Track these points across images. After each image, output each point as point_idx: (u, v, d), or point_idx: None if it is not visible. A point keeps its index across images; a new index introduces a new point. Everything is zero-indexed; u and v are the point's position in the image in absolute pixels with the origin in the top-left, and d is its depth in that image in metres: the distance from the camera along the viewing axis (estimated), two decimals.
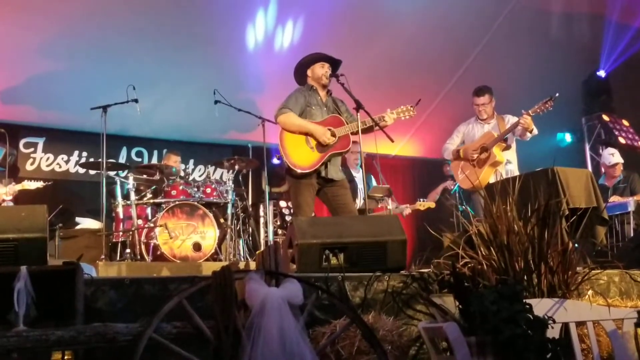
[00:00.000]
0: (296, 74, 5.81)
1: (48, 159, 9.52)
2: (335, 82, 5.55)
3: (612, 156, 8.27)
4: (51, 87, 8.53)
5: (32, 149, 9.42)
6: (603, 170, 8.51)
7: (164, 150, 9.94)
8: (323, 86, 5.69)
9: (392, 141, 5.54)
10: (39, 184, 7.57)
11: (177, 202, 6.95)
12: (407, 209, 8.71)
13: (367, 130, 5.60)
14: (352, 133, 5.56)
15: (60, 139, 9.57)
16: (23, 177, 8.32)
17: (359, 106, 5.41)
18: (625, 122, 11.25)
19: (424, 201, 8.84)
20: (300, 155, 5.44)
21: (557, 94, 6.37)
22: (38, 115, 9.13)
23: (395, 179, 11.23)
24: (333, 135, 5.50)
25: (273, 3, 8.84)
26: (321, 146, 5.48)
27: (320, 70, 5.65)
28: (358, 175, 7.83)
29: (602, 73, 11.17)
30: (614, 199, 7.69)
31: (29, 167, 9.35)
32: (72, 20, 7.94)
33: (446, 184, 9.18)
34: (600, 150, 10.48)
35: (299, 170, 5.41)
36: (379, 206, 8.44)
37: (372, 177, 8.50)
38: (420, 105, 5.90)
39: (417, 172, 11.98)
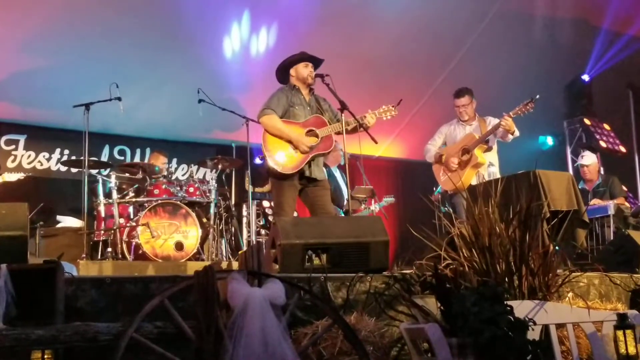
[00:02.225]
0: (278, 74, 5.78)
1: (29, 156, 9.43)
2: (319, 82, 5.56)
3: (582, 158, 8.38)
4: (33, 84, 8.46)
5: (13, 146, 9.33)
6: None
7: (147, 149, 9.91)
8: (307, 85, 5.68)
9: (376, 142, 5.54)
10: (20, 175, 7.49)
11: (159, 201, 6.91)
12: (375, 208, 8.67)
13: (350, 131, 5.61)
14: (337, 133, 5.56)
15: (42, 136, 9.48)
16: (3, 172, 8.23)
17: (343, 107, 5.41)
18: (607, 126, 11.36)
19: (388, 197, 8.88)
20: (284, 156, 5.43)
21: (537, 96, 6.43)
22: (20, 112, 9.04)
23: (379, 180, 11.23)
24: (315, 136, 5.50)
25: (246, 16, 8.95)
26: None
27: (305, 70, 5.63)
28: (336, 173, 7.82)
29: (586, 77, 11.26)
30: (595, 202, 7.76)
31: (10, 164, 9.24)
32: (55, 17, 7.88)
33: None
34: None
35: (282, 171, 5.40)
36: (361, 207, 8.44)
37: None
38: (404, 106, 5.91)
39: (401, 174, 12.01)
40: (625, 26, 10.30)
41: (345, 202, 7.41)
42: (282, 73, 5.75)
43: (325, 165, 7.52)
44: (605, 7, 10.03)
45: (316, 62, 5.71)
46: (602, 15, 10.10)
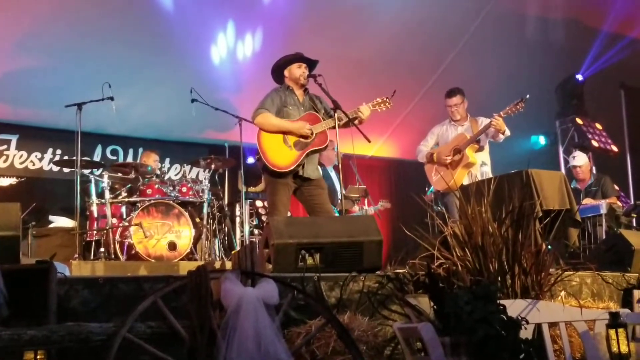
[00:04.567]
0: (273, 74, 5.80)
1: (21, 156, 9.40)
2: (313, 82, 5.56)
3: (573, 158, 8.41)
4: (25, 84, 8.43)
5: (5, 146, 9.30)
6: None
7: (140, 149, 9.89)
8: (300, 86, 5.69)
9: (369, 141, 5.53)
10: (12, 180, 7.48)
11: (152, 201, 6.90)
12: (370, 210, 8.68)
13: (343, 125, 5.58)
14: (331, 128, 5.54)
15: (34, 136, 9.46)
16: None
17: (336, 106, 5.41)
18: (599, 126, 11.40)
19: (383, 202, 8.90)
20: (279, 155, 5.42)
21: (527, 96, 6.45)
22: (11, 112, 9.02)
23: (372, 180, 11.25)
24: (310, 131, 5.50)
25: (230, 25, 9.04)
26: (299, 144, 5.47)
27: (298, 70, 5.64)
28: (332, 173, 7.82)
29: (579, 77, 11.29)
30: (587, 201, 7.79)
31: (1, 164, 9.22)
32: (48, 18, 7.86)
33: None
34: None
35: (278, 170, 5.39)
36: (354, 207, 8.44)
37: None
38: (398, 106, 5.90)
39: (394, 173, 12.03)
40: (626, 28, 10.35)
41: (339, 201, 7.41)
42: (277, 73, 5.77)
43: (321, 164, 7.55)
44: (603, 8, 10.06)
45: (310, 63, 5.72)
46: (597, 16, 10.14)
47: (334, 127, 5.47)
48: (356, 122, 5.56)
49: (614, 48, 10.56)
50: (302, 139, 5.50)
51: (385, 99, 5.78)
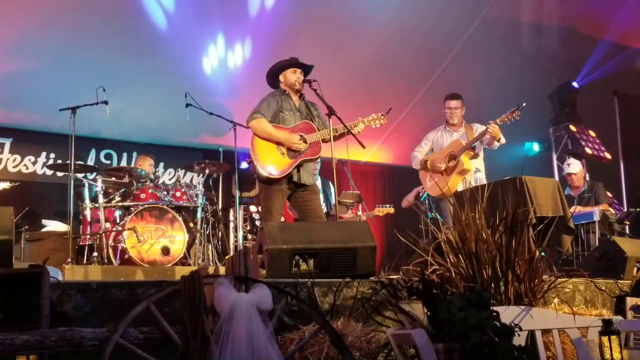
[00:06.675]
0: (268, 79, 5.80)
1: (15, 160, 9.37)
2: (308, 87, 5.57)
3: (568, 166, 8.44)
4: (19, 87, 8.41)
5: None
6: None
7: (134, 153, 9.87)
8: (296, 91, 5.69)
9: (364, 147, 5.55)
10: (6, 185, 7.44)
11: (146, 206, 6.87)
12: (364, 216, 8.67)
13: (338, 137, 5.62)
14: (324, 140, 5.57)
15: (27, 140, 9.43)
16: None
17: (331, 112, 5.42)
18: (592, 133, 11.44)
19: (382, 207, 8.86)
20: (271, 161, 5.43)
21: (524, 104, 6.47)
22: (5, 115, 8.99)
23: (366, 186, 11.27)
24: (304, 141, 5.51)
25: (220, 37, 9.08)
26: (292, 152, 5.48)
27: (293, 76, 5.65)
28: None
29: (575, 84, 11.33)
30: (579, 208, 7.80)
31: None
32: (42, 21, 7.84)
33: (419, 189, 9.06)
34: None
35: (269, 176, 5.40)
36: (347, 214, 8.43)
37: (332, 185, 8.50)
38: (392, 112, 5.93)
39: (388, 179, 12.05)
40: (628, 39, 10.41)
41: (333, 207, 7.42)
42: (272, 78, 5.77)
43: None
44: (601, 18, 10.11)
45: (305, 68, 5.73)
46: (594, 25, 10.18)
47: (328, 140, 5.49)
48: (349, 134, 5.59)
49: (615, 58, 10.60)
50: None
51: (380, 115, 5.82)
